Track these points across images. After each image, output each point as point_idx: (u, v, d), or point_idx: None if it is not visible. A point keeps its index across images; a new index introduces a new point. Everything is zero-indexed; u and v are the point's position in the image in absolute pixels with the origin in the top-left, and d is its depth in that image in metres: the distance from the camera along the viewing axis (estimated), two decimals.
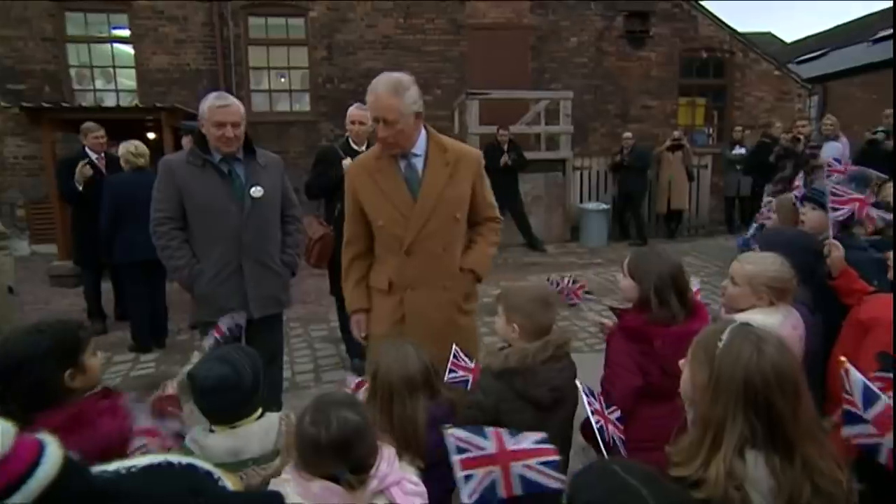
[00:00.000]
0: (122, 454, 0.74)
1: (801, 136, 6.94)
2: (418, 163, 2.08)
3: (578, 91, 9.13)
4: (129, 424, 1.38)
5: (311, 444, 1.15)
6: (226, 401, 1.48)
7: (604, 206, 8.46)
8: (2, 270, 2.34)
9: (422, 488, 1.25)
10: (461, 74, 9.35)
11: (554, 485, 1.19)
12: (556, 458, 1.22)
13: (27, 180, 8.26)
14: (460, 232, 2.16)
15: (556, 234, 8.40)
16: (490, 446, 1.18)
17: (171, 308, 4.83)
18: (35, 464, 0.55)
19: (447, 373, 1.75)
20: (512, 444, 1.19)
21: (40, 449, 0.57)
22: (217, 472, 0.77)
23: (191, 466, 0.72)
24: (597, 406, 1.42)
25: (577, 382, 1.41)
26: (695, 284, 1.96)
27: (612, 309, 1.93)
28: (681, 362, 1.23)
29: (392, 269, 2.10)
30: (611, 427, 1.46)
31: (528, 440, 1.22)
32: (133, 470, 0.68)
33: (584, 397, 1.38)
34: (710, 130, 10.91)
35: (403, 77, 1.97)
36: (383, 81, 1.94)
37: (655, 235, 8.83)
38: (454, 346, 1.84)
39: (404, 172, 2.07)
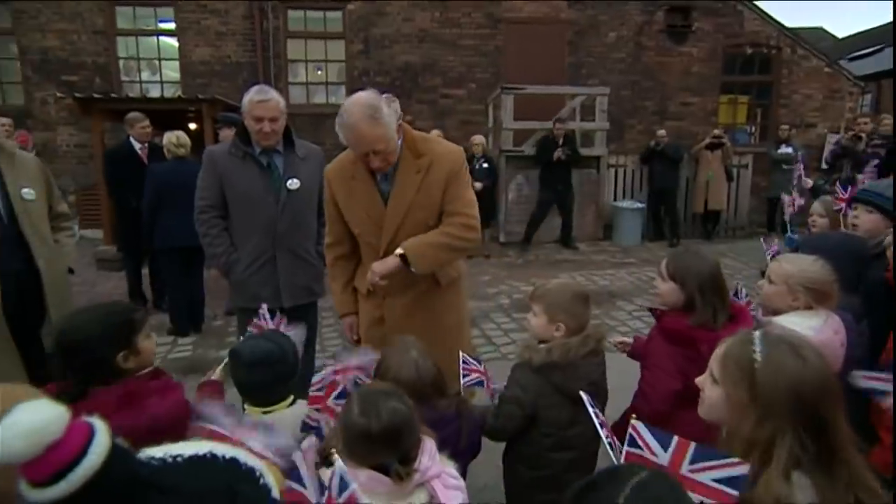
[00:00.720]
0: (177, 436, 0.74)
1: (863, 135, 6.59)
2: (390, 170, 2.00)
3: (615, 87, 8.96)
4: (181, 407, 1.41)
5: (362, 435, 1.14)
6: (270, 375, 1.51)
7: (638, 204, 8.29)
8: (65, 252, 2.43)
9: (461, 483, 1.25)
10: (496, 69, 9.29)
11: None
12: (744, 471, 0.94)
13: (78, 168, 8.61)
14: None
15: (588, 232, 8.28)
16: (664, 459, 1.00)
17: (208, 295, 4.98)
18: (84, 451, 0.55)
19: (461, 377, 1.73)
20: (689, 467, 0.97)
21: (90, 435, 0.56)
22: (260, 468, 0.76)
23: (234, 461, 0.70)
24: (603, 418, 1.35)
25: (581, 393, 1.35)
26: (743, 296, 1.91)
27: (650, 310, 1.88)
28: (698, 380, 1.15)
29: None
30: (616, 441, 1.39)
31: (713, 457, 0.95)
32: (178, 459, 0.66)
33: (591, 408, 1.30)
34: (753, 129, 10.54)
35: (372, 98, 1.86)
36: (358, 116, 1.81)
37: (691, 236, 8.61)
38: (461, 354, 1.75)
39: (378, 180, 2.02)
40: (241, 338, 2.76)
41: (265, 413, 1.53)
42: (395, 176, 1.99)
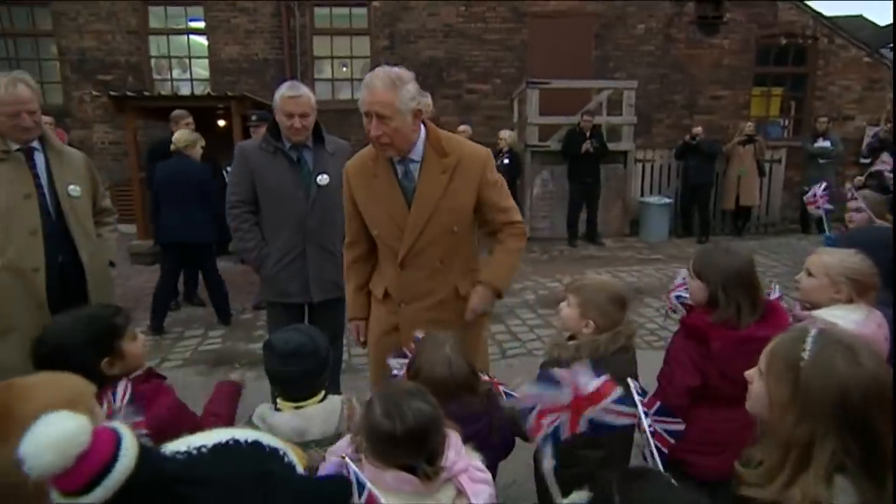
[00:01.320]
0: (171, 437, 0.74)
1: None
2: (415, 169, 1.91)
3: (643, 80, 8.80)
4: (171, 411, 1.40)
5: (386, 436, 1.12)
6: (302, 367, 1.52)
7: (666, 199, 8.14)
8: (107, 246, 2.51)
9: (488, 475, 1.24)
10: (522, 63, 9.21)
11: (623, 422, 1.16)
12: (620, 393, 1.17)
13: (113, 164, 8.87)
14: (461, 244, 1.99)
15: (614, 227, 8.18)
16: (565, 397, 1.14)
17: (235, 289, 5.07)
18: (115, 456, 0.55)
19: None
20: (587, 387, 1.15)
21: (117, 439, 0.56)
22: (283, 448, 0.77)
23: (257, 444, 0.72)
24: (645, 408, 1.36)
25: (629, 380, 1.35)
26: (776, 291, 1.87)
27: (682, 303, 1.86)
28: (748, 373, 1.14)
29: (388, 279, 2.00)
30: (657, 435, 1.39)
31: (595, 380, 1.16)
32: (203, 450, 0.66)
33: (637, 396, 1.31)
34: (786, 122, 10.23)
35: (403, 72, 1.81)
36: (380, 75, 1.78)
37: (720, 232, 8.42)
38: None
39: (401, 179, 1.92)
40: (270, 332, 2.84)
41: (297, 408, 1.53)
42: (419, 175, 1.90)
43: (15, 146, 2.18)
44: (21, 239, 2.15)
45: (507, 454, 1.65)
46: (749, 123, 8.24)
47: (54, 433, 0.51)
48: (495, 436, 1.52)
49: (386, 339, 2.03)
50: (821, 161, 8.19)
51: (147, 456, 0.58)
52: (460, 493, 1.17)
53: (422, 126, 1.90)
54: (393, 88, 1.75)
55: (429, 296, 1.96)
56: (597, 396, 1.14)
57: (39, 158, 2.26)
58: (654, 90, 9.38)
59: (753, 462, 1.04)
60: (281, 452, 0.75)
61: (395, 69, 1.81)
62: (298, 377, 1.54)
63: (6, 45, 8.99)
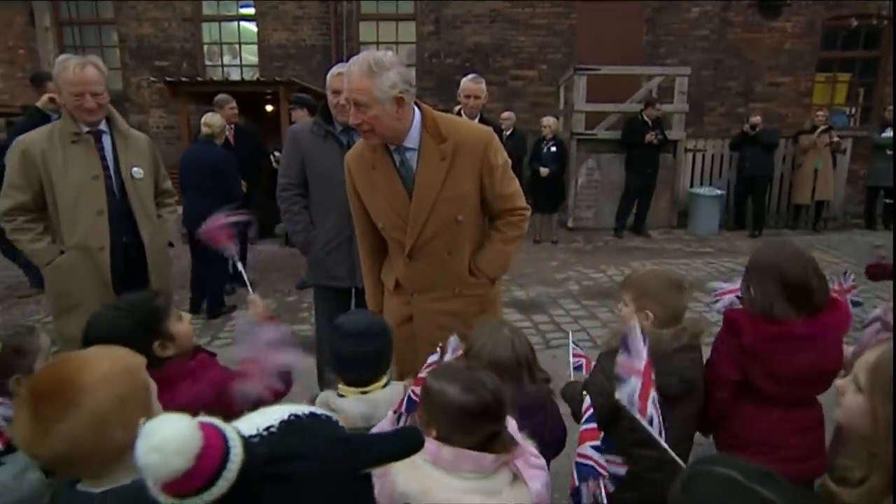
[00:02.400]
0: (225, 412, 0.76)
1: None
2: (412, 157, 1.81)
3: (696, 66, 8.45)
4: (214, 387, 1.39)
5: (477, 409, 1.12)
6: (374, 346, 1.51)
7: (718, 191, 7.83)
8: (167, 227, 2.61)
9: (542, 462, 1.24)
10: (569, 49, 8.99)
11: (601, 472, 1.23)
12: (599, 444, 1.27)
13: (167, 148, 9.20)
14: (469, 232, 1.89)
15: (661, 219, 7.94)
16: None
17: (279, 271, 5.17)
18: (227, 449, 0.56)
19: (571, 366, 1.68)
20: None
21: (222, 433, 0.57)
22: (331, 414, 0.78)
23: (314, 414, 0.72)
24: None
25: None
26: (848, 279, 1.77)
27: (739, 297, 1.80)
28: (839, 383, 1.09)
29: (398, 270, 1.94)
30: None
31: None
32: (272, 430, 0.66)
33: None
34: (853, 110, 9.63)
35: (386, 56, 1.68)
36: (359, 60, 1.67)
37: (775, 227, 8.05)
38: (570, 336, 1.70)
39: (399, 169, 1.82)
40: (314, 315, 2.89)
41: (363, 393, 1.52)
42: (418, 163, 1.79)
43: (85, 129, 2.27)
44: (89, 218, 2.25)
45: (557, 453, 1.62)
46: (820, 112, 7.75)
47: (174, 435, 0.52)
48: (548, 434, 1.50)
49: (400, 330, 1.93)
50: (888, 152, 7.68)
51: (248, 444, 0.59)
52: (516, 477, 1.16)
53: (416, 110, 1.78)
54: (370, 75, 1.64)
55: (440, 286, 1.90)
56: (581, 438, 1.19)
57: (107, 141, 2.35)
58: (708, 76, 9.00)
59: (850, 479, 0.97)
60: (334, 418, 0.76)
61: (379, 53, 1.69)
62: (371, 356, 1.52)
63: (72, 33, 9.44)
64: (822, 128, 7.53)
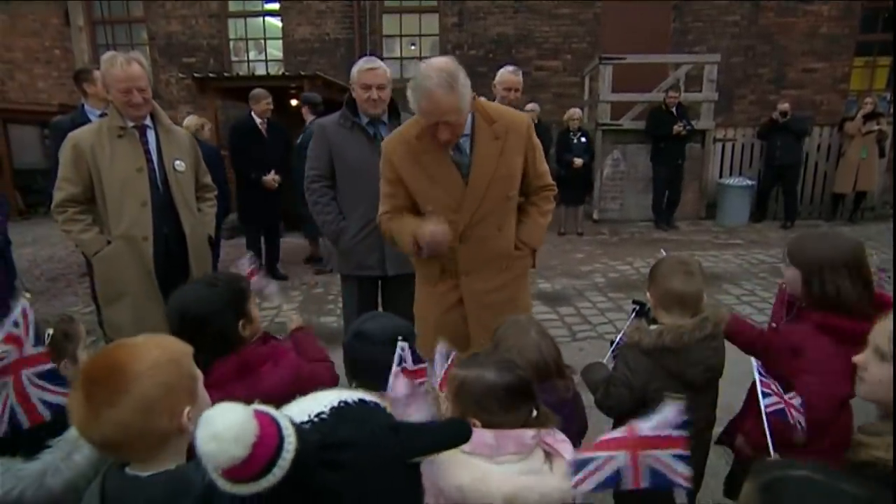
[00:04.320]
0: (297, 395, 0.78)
1: None
2: (465, 142, 1.90)
3: (726, 53, 8.24)
4: (295, 370, 1.43)
5: (516, 385, 1.16)
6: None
7: (748, 181, 7.63)
8: (207, 220, 2.69)
9: (564, 436, 1.24)
10: (594, 38, 8.85)
11: (678, 482, 1.04)
12: (686, 453, 1.05)
13: None
14: (514, 207, 2.03)
15: (689, 210, 7.79)
16: (620, 433, 1.06)
17: (305, 263, 5.21)
18: (281, 437, 0.57)
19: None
20: (645, 430, 1.04)
21: (276, 422, 0.58)
22: (377, 400, 0.79)
23: (363, 401, 0.72)
24: (774, 387, 1.28)
25: (753, 360, 1.32)
26: (874, 262, 1.70)
27: (790, 303, 1.68)
28: (857, 358, 1.07)
29: (444, 255, 1.95)
30: (794, 412, 1.32)
31: (663, 426, 1.04)
32: (323, 416, 0.67)
33: (758, 376, 1.24)
34: (893, 96, 9.26)
35: (449, 64, 1.75)
36: (434, 79, 1.70)
37: (808, 217, 7.83)
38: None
39: (453, 154, 1.90)
40: (345, 304, 2.91)
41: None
42: (473, 146, 1.89)
43: (131, 123, 2.35)
44: (133, 209, 2.33)
45: (581, 436, 1.62)
46: (868, 99, 7.44)
47: (232, 424, 0.53)
48: (578, 423, 1.50)
49: (447, 317, 2.00)
50: None
51: (299, 430, 0.61)
52: (549, 455, 1.19)
53: None
54: (452, 91, 1.72)
55: (490, 264, 1.98)
56: (655, 442, 1.04)
57: (151, 135, 2.42)
58: (738, 63, 8.76)
59: (879, 434, 0.95)
60: (381, 405, 0.77)
61: (442, 64, 1.75)
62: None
63: (105, 32, 9.68)
64: (866, 113, 7.22)
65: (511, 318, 1.58)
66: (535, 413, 1.19)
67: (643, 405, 1.60)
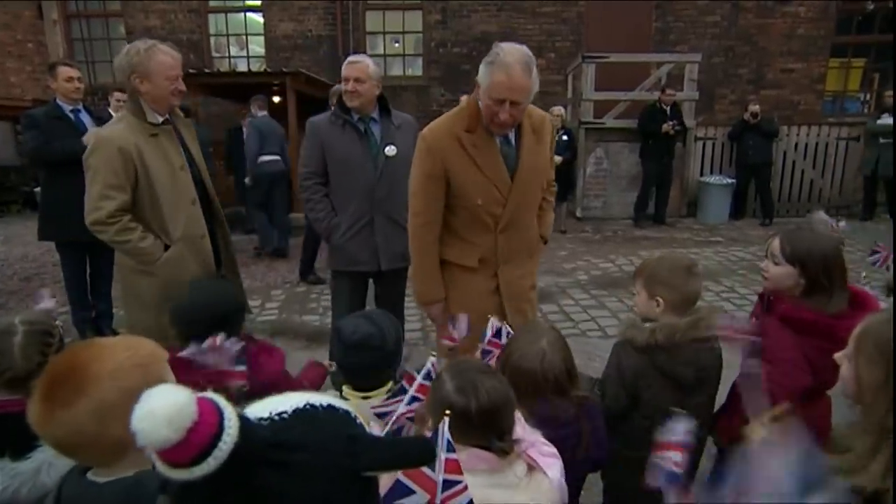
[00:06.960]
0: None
1: None
2: (511, 134, 1.96)
3: (707, 53, 8.34)
4: (283, 363, 1.48)
5: (461, 414, 1.06)
6: (367, 359, 1.47)
7: (727, 179, 7.76)
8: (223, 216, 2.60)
9: (554, 449, 1.22)
10: (577, 37, 8.90)
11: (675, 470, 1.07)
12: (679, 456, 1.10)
13: None
14: (539, 199, 2.16)
15: (671, 207, 7.87)
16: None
17: (286, 261, 5.18)
18: (220, 426, 0.55)
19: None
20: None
21: (219, 411, 0.56)
22: (353, 411, 0.77)
23: (332, 407, 0.71)
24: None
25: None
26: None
27: (761, 296, 1.69)
28: (837, 356, 1.08)
29: (483, 246, 2.01)
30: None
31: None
32: (285, 416, 0.65)
33: None
34: (867, 97, 9.47)
35: (528, 51, 1.80)
36: (517, 58, 1.72)
37: (786, 214, 7.98)
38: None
39: (501, 147, 1.95)
40: (332, 303, 2.90)
41: (364, 398, 1.47)
42: (520, 138, 1.95)
43: (159, 119, 2.17)
44: (186, 208, 2.19)
45: (598, 467, 1.57)
46: (889, 92, 7.42)
47: (166, 406, 0.52)
48: (584, 444, 1.40)
49: (484, 304, 1.97)
50: (882, 140, 7.27)
51: (247, 424, 0.59)
52: (531, 468, 1.15)
53: None
54: (529, 73, 1.75)
55: (522, 253, 2.07)
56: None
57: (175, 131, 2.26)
58: (719, 63, 8.88)
59: (841, 448, 0.99)
60: (353, 414, 0.75)
61: (524, 48, 1.78)
62: (362, 369, 1.49)
63: (80, 26, 9.46)
64: None
65: (533, 322, 1.53)
66: (498, 442, 1.10)
67: (634, 402, 1.60)
